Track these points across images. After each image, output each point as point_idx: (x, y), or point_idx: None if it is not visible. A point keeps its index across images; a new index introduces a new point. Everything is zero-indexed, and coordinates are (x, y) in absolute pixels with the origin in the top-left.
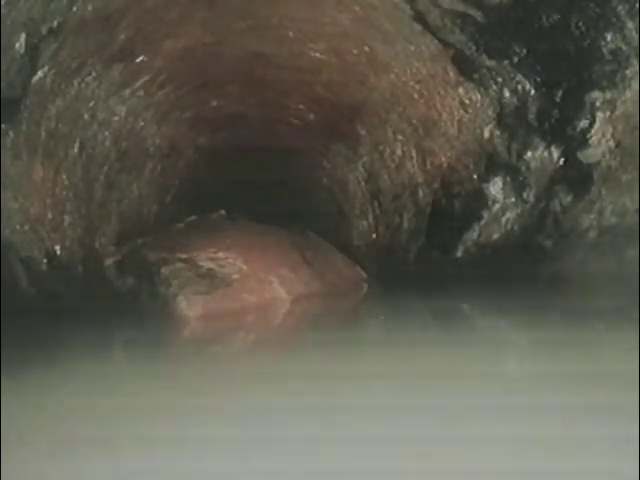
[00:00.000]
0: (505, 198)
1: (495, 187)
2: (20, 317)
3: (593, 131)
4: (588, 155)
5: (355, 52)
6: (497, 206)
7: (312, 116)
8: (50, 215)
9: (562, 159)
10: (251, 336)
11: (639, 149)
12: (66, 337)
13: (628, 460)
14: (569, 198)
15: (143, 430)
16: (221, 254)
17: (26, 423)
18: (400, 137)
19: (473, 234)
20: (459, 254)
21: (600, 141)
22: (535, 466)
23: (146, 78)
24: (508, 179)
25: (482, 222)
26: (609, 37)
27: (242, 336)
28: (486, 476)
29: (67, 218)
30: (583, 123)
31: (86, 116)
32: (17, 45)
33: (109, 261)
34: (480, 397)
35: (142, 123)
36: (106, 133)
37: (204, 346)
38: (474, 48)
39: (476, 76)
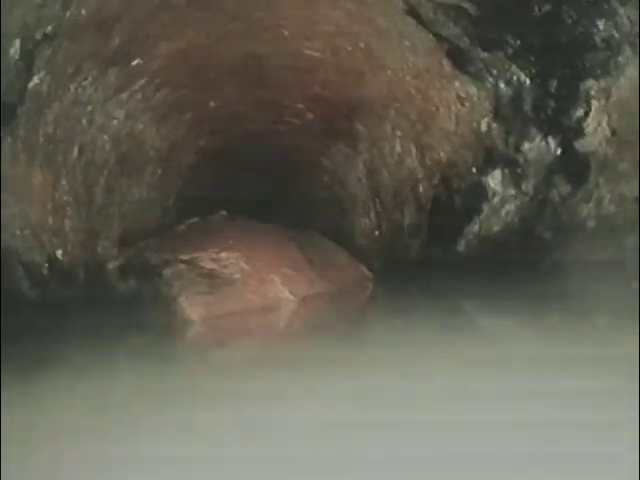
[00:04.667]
0: (504, 190)
1: (494, 180)
2: (21, 322)
3: (589, 120)
4: (585, 144)
5: (350, 49)
6: (497, 199)
7: (311, 115)
8: (51, 220)
9: (559, 149)
10: (255, 336)
11: (639, 138)
12: (68, 341)
13: (629, 445)
14: (567, 188)
15: (145, 430)
16: (223, 254)
17: (27, 426)
18: (399, 133)
19: (474, 227)
20: (460, 248)
21: (596, 129)
22: (537, 450)
23: (143, 81)
24: (506, 171)
25: (482, 215)
26: (601, 25)
27: (245, 337)
28: (490, 459)
29: (68, 222)
30: (578, 112)
31: (84, 120)
32: (12, 51)
33: (111, 265)
34: (481, 394)
35: (141, 126)
36: (105, 137)
37: (208, 348)
38: (468, 41)
39: (471, 69)
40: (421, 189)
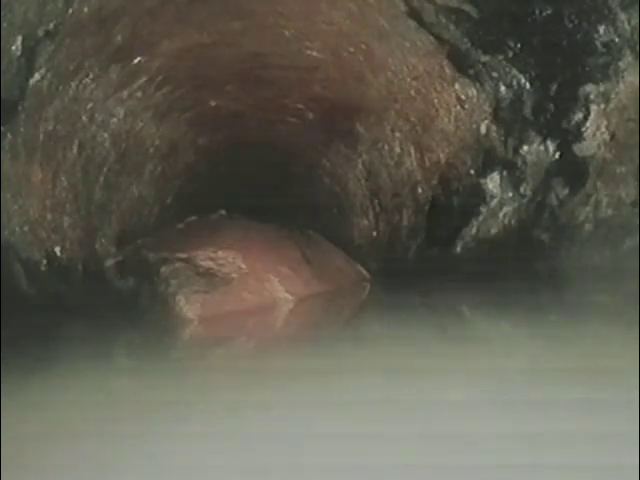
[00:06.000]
0: (502, 193)
1: (492, 182)
2: (20, 318)
3: (588, 124)
4: (583, 148)
5: (351, 50)
6: (495, 201)
7: (311, 115)
8: (50, 216)
9: (558, 153)
10: (251, 335)
11: (638, 142)
12: (66, 338)
13: (628, 456)
14: (565, 191)
15: (143, 429)
16: (221, 253)
17: (26, 423)
18: (398, 134)
19: (472, 230)
20: (458, 250)
21: (595, 134)
22: (534, 461)
23: (144, 79)
24: (505, 174)
25: (480, 217)
26: (602, 30)
27: (242, 336)
28: (486, 471)
29: (67, 219)
30: (578, 116)
31: (84, 118)
32: (13, 48)
33: (109, 262)
34: (480, 393)
35: (141, 124)
36: (105, 134)
37: (205, 346)
38: (469, 44)
39: (472, 71)
40: (420, 190)
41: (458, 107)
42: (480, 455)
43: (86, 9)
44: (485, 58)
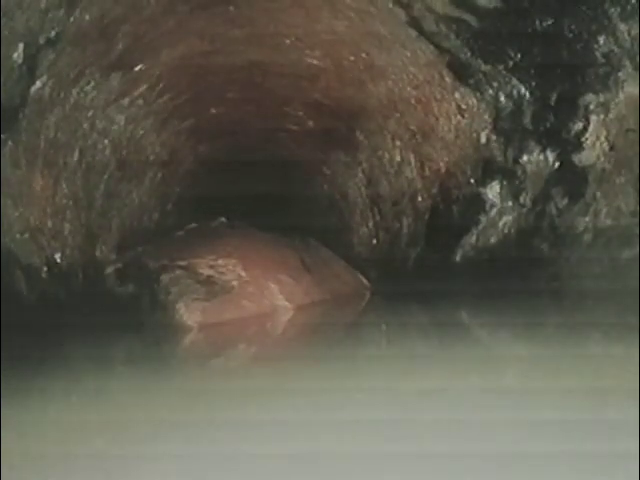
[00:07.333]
0: (502, 202)
1: (492, 191)
2: (20, 325)
3: (587, 134)
4: (583, 158)
5: (352, 58)
6: (494, 210)
7: (311, 123)
8: (50, 223)
9: (557, 162)
10: (251, 345)
11: (638, 153)
12: (66, 344)
13: (628, 476)
14: (565, 201)
15: (142, 440)
16: (221, 261)
17: (26, 431)
18: (398, 143)
19: (471, 238)
20: (457, 259)
21: (594, 144)
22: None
23: (145, 87)
24: (505, 183)
25: (480, 226)
26: (602, 40)
27: (242, 345)
28: None
29: (67, 226)
30: (577, 126)
31: (85, 125)
32: (15, 55)
33: (110, 269)
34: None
35: (142, 131)
36: (105, 142)
37: (204, 356)
38: (469, 53)
39: (472, 81)
40: (419, 199)
41: (458, 116)
42: (478, 473)
43: (88, 17)
44: (485, 68)
